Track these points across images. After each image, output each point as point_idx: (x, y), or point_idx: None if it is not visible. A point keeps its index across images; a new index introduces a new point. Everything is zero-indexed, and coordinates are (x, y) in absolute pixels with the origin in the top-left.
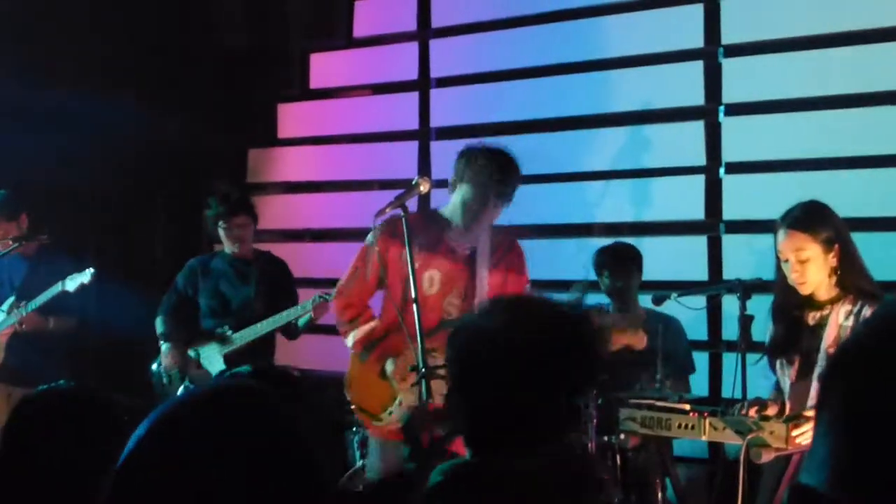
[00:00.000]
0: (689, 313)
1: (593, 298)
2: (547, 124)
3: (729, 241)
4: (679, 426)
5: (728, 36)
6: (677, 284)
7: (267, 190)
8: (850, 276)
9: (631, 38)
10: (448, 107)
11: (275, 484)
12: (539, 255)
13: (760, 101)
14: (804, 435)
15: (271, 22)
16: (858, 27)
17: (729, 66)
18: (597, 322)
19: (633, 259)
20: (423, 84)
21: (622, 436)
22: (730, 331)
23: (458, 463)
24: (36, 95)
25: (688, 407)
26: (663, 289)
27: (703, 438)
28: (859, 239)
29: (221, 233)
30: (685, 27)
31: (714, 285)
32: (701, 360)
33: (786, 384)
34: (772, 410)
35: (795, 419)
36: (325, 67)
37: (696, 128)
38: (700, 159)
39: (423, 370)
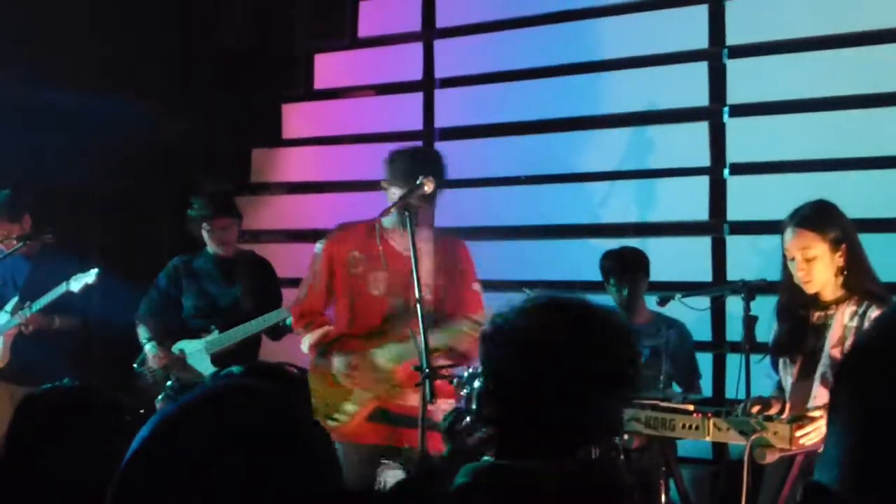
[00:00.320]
0: (693, 314)
1: (599, 301)
2: (551, 125)
3: (733, 242)
4: (683, 427)
5: (732, 37)
6: (681, 285)
7: (271, 190)
8: (857, 277)
9: (635, 39)
10: (452, 107)
11: (282, 485)
12: (543, 256)
13: (765, 102)
14: (808, 435)
15: (275, 22)
16: (863, 28)
17: (733, 67)
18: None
19: (639, 265)
20: (427, 84)
21: (626, 436)
22: (734, 332)
23: (485, 465)
24: (43, 95)
25: (692, 407)
26: (667, 290)
27: (707, 439)
28: (865, 240)
29: (205, 235)
30: (690, 28)
31: (718, 286)
32: (705, 360)
33: (787, 383)
34: (774, 409)
35: (799, 420)
36: (330, 68)
37: (701, 129)
38: (704, 160)
39: (427, 371)
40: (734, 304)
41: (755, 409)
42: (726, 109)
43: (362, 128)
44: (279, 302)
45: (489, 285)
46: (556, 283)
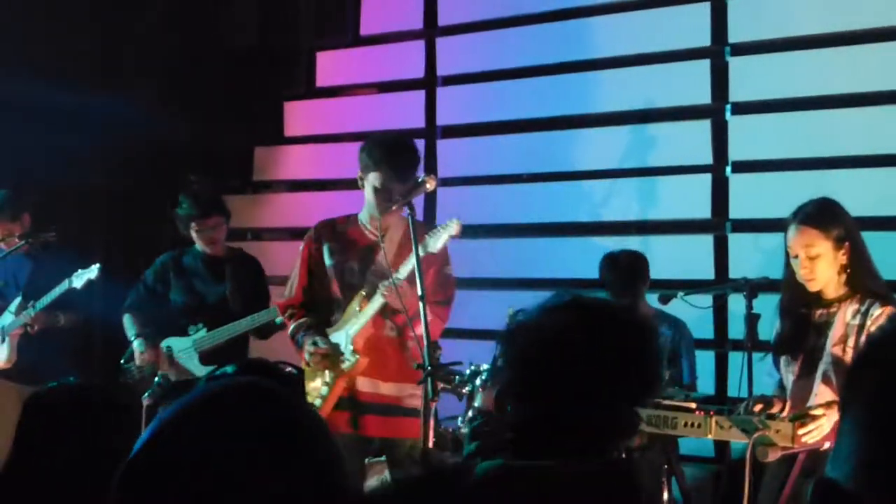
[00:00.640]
0: (695, 312)
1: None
2: (553, 123)
3: (735, 240)
4: (685, 425)
5: (735, 35)
6: (683, 283)
7: (273, 188)
8: (859, 275)
9: (638, 37)
10: (454, 105)
11: (285, 485)
12: (545, 254)
13: (767, 100)
14: (810, 434)
15: (277, 20)
16: (865, 26)
17: (735, 64)
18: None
19: (637, 275)
20: (429, 82)
21: None
22: (736, 330)
23: (502, 464)
24: (45, 94)
25: (694, 405)
26: (670, 288)
27: (709, 437)
28: (867, 238)
29: (193, 234)
30: (692, 26)
31: (720, 284)
32: (707, 359)
33: (788, 381)
34: (776, 408)
35: (802, 418)
36: (332, 65)
37: (703, 126)
38: (706, 158)
39: (430, 368)
40: (736, 302)
41: (757, 407)
42: (728, 107)
43: (364, 126)
44: (267, 300)
45: (490, 283)
46: (558, 281)
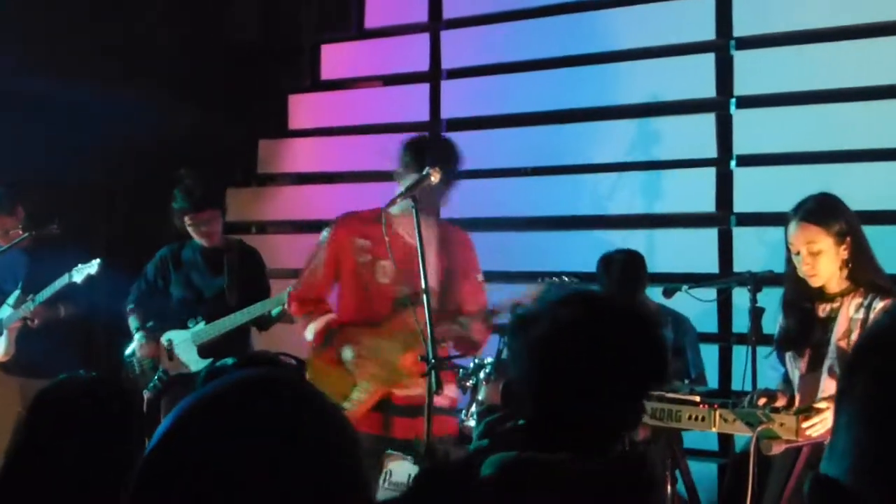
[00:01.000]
0: (699, 306)
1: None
2: (558, 116)
3: (740, 234)
4: (689, 418)
5: (739, 28)
6: (688, 277)
7: (277, 181)
8: (862, 270)
9: (642, 31)
10: (459, 98)
11: (304, 482)
12: (549, 248)
13: (772, 94)
14: (814, 427)
15: (282, 13)
16: (870, 20)
17: (740, 58)
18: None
19: (635, 277)
20: (434, 75)
21: None
22: (740, 323)
23: (512, 457)
24: (46, 89)
25: (698, 398)
26: (674, 281)
27: (714, 430)
28: (870, 232)
29: (189, 228)
30: (697, 19)
31: (725, 278)
32: (711, 352)
33: (795, 376)
34: (781, 402)
35: (806, 411)
36: (337, 58)
37: (708, 120)
38: (711, 152)
39: (433, 362)
40: (741, 296)
41: (761, 401)
42: (733, 101)
43: (369, 119)
44: (266, 292)
45: (496, 276)
46: (563, 274)
